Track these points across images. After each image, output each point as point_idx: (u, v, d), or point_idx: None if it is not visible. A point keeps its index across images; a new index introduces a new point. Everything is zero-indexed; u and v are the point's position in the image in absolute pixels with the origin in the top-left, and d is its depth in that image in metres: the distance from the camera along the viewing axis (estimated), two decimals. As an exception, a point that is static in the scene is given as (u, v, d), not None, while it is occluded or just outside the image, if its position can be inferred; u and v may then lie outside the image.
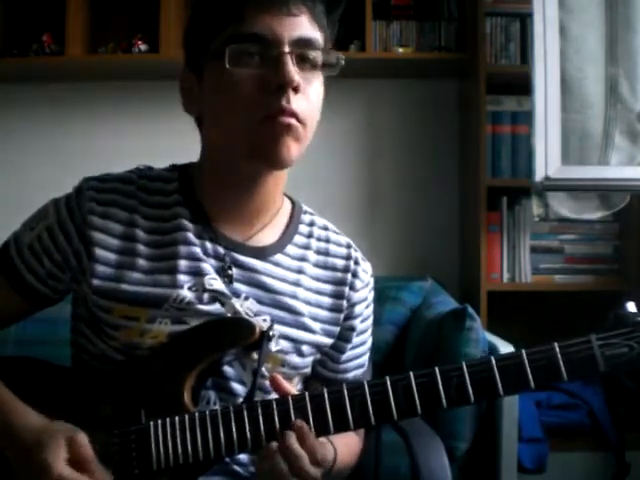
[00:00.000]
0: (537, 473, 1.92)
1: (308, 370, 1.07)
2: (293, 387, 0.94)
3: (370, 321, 1.13)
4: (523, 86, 2.02)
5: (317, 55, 0.94)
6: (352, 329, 1.08)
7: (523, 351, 0.85)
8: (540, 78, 1.95)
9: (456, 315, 1.64)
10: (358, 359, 1.12)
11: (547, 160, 1.96)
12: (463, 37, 2.34)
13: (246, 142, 0.94)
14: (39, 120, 2.49)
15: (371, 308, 1.13)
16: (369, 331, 1.14)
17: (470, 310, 1.62)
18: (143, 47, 2.31)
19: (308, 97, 0.94)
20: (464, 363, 0.86)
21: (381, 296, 2.00)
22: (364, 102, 2.50)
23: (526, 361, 0.84)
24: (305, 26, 0.93)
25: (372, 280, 1.13)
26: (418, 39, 2.34)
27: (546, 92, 1.95)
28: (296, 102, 0.91)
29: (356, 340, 1.10)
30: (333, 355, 1.09)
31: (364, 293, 1.10)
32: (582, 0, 1.99)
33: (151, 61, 2.30)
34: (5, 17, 2.43)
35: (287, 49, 0.91)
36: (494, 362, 0.85)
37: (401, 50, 2.31)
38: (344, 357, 1.09)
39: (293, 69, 0.90)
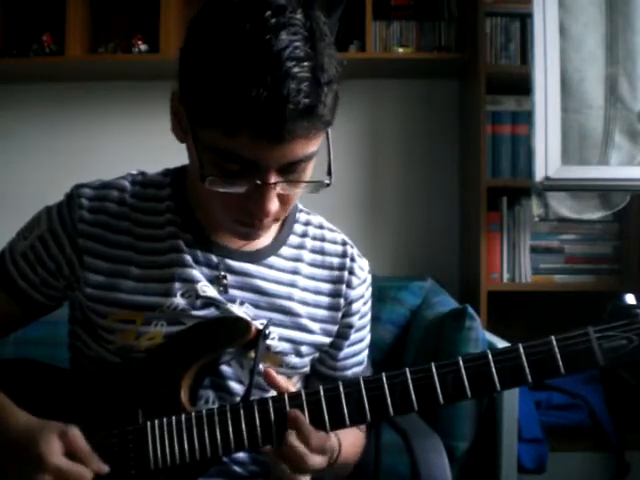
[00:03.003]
0: (537, 473, 1.92)
1: (307, 369, 1.07)
2: (290, 384, 0.94)
3: (368, 318, 1.13)
4: (523, 86, 2.02)
5: (307, 164, 0.87)
6: (350, 326, 1.08)
7: (520, 345, 0.85)
8: (540, 78, 1.95)
9: (456, 315, 1.64)
10: (357, 356, 1.11)
11: (547, 160, 1.96)
12: (463, 37, 2.34)
13: (221, 224, 0.96)
14: (39, 120, 2.49)
15: (369, 305, 1.12)
16: (367, 328, 1.13)
17: (470, 310, 1.62)
18: (143, 47, 2.31)
19: (287, 201, 0.90)
20: (460, 358, 0.86)
21: (381, 296, 2.01)
22: (364, 102, 2.49)
23: (523, 355, 0.84)
24: (298, 148, 0.84)
25: (369, 276, 1.12)
26: (418, 39, 2.34)
27: (546, 92, 1.95)
28: (273, 216, 0.89)
29: (354, 337, 1.10)
30: (332, 353, 1.09)
31: (361, 290, 1.09)
32: (582, 0, 1.99)
33: (151, 61, 2.30)
34: (5, 17, 2.43)
35: (272, 179, 0.84)
36: (491, 357, 0.85)
37: (401, 50, 2.31)
38: (342, 354, 1.09)
39: (273, 201, 0.86)
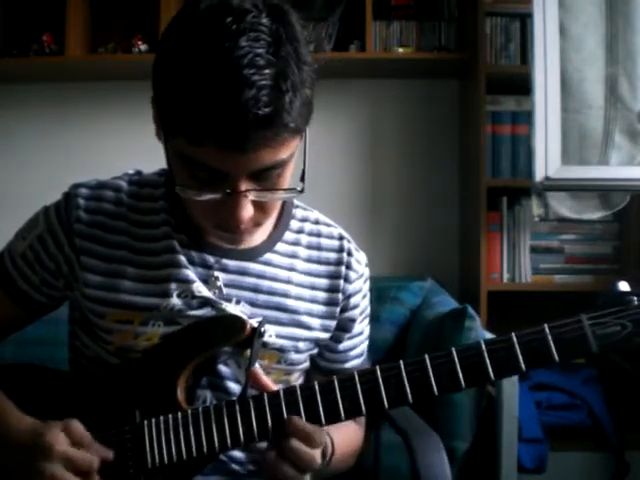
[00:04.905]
0: (537, 473, 1.91)
1: (307, 365, 1.08)
2: (273, 383, 0.93)
3: (367, 311, 1.13)
4: (523, 86, 2.02)
5: (282, 170, 0.86)
6: (351, 320, 1.08)
7: (513, 334, 0.85)
8: (540, 78, 1.95)
9: (456, 315, 1.64)
10: (355, 349, 1.12)
11: (547, 160, 1.96)
12: (463, 37, 2.34)
13: (205, 229, 0.97)
14: (39, 120, 2.49)
15: (367, 298, 1.13)
16: (366, 321, 1.13)
17: (470, 310, 1.61)
18: (143, 47, 2.31)
19: (266, 208, 0.89)
20: (454, 349, 0.86)
21: (381, 296, 2.01)
22: (364, 102, 2.49)
23: (516, 344, 0.84)
24: (265, 156, 0.82)
25: (367, 270, 1.12)
26: (418, 39, 2.34)
27: (546, 92, 1.95)
28: (248, 223, 0.88)
29: (355, 330, 1.10)
30: (331, 346, 1.09)
31: (359, 284, 1.09)
32: (582, 0, 1.99)
33: (151, 61, 2.28)
34: (5, 17, 2.43)
35: (242, 187, 0.83)
36: (484, 346, 0.85)
37: (401, 50, 2.31)
38: (341, 347, 1.09)
39: (246, 208, 0.85)
